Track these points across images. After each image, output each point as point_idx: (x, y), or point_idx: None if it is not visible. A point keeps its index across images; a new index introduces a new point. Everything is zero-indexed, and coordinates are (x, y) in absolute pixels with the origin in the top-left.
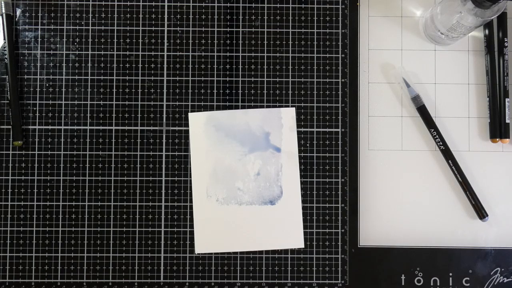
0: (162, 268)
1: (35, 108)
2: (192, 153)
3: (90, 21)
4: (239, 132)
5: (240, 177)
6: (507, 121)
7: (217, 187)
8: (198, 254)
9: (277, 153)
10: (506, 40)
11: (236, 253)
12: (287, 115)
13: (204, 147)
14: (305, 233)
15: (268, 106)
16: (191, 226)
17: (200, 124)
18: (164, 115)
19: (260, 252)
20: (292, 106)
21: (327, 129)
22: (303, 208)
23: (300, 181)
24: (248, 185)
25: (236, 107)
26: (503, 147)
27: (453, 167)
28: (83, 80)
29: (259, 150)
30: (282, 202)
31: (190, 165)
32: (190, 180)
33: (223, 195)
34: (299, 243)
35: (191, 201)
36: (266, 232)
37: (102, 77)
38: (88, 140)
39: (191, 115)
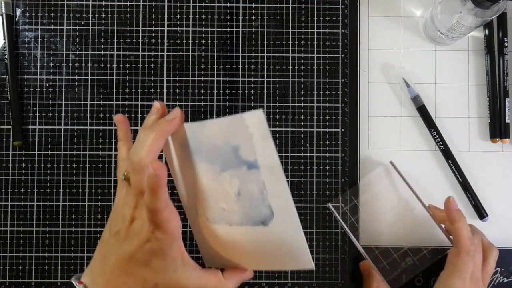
0: None
1: (35, 108)
2: (172, 173)
3: (90, 21)
4: (204, 147)
5: (221, 197)
6: (507, 121)
7: (202, 205)
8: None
9: (254, 169)
10: (506, 40)
11: None
12: (254, 120)
13: (177, 167)
14: (304, 233)
15: (268, 106)
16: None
17: (167, 140)
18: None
19: None
20: (261, 107)
21: (327, 129)
22: (303, 208)
23: (292, 197)
24: (232, 206)
25: (236, 107)
26: (503, 147)
27: (453, 167)
28: (83, 80)
29: (232, 168)
30: (275, 223)
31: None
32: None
33: (211, 214)
34: (308, 265)
35: None
36: (266, 255)
37: (102, 77)
38: (88, 140)
39: None
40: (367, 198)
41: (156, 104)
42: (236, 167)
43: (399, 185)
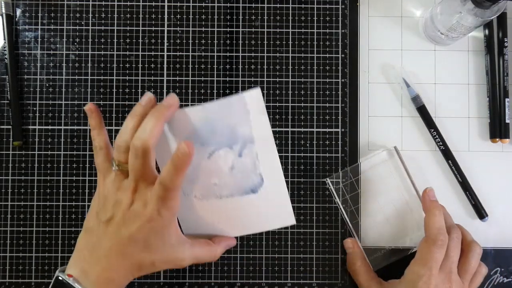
0: None
1: (35, 108)
2: (157, 158)
3: (90, 21)
4: (202, 129)
5: (214, 173)
6: (507, 121)
7: (191, 185)
8: None
9: (249, 144)
10: (506, 40)
11: (236, 252)
12: (252, 98)
13: (168, 150)
14: (305, 233)
15: (268, 107)
16: None
17: None
18: None
19: (260, 252)
20: (255, 86)
21: (327, 129)
22: (303, 208)
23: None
24: (225, 180)
25: None
26: (503, 147)
27: (453, 167)
28: (83, 80)
29: (228, 145)
30: (264, 189)
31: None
32: None
33: (200, 191)
34: (290, 221)
35: None
36: (253, 219)
37: (102, 77)
38: (88, 140)
39: None
40: (366, 178)
41: (150, 95)
42: (232, 144)
43: (399, 171)
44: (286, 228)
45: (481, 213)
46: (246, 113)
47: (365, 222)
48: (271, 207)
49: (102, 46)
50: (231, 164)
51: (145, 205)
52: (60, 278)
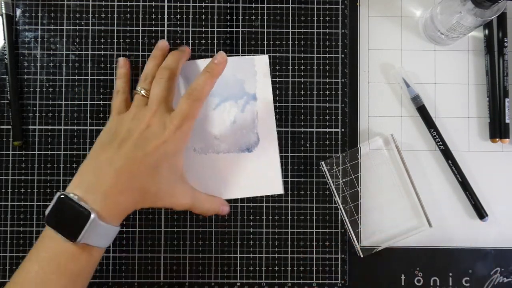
0: (162, 268)
1: (35, 108)
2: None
3: (90, 21)
4: None
5: (216, 125)
6: (507, 121)
7: (194, 137)
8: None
9: (252, 100)
10: (506, 40)
11: (236, 252)
12: (261, 62)
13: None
14: (305, 233)
15: None
16: (191, 226)
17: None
18: None
19: (260, 252)
20: (266, 54)
21: (327, 129)
22: (303, 208)
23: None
24: (225, 134)
25: None
26: (503, 147)
27: (453, 167)
28: (83, 80)
29: (234, 99)
30: (259, 149)
31: None
32: None
33: (200, 145)
34: (278, 189)
35: None
36: (245, 180)
37: (102, 77)
38: (88, 140)
39: None
40: (362, 166)
41: (165, 42)
42: (238, 98)
43: (395, 159)
44: (286, 228)
45: (481, 213)
46: (253, 73)
47: (365, 221)
48: (263, 170)
49: (102, 46)
50: (233, 118)
51: (164, 127)
52: (63, 196)
